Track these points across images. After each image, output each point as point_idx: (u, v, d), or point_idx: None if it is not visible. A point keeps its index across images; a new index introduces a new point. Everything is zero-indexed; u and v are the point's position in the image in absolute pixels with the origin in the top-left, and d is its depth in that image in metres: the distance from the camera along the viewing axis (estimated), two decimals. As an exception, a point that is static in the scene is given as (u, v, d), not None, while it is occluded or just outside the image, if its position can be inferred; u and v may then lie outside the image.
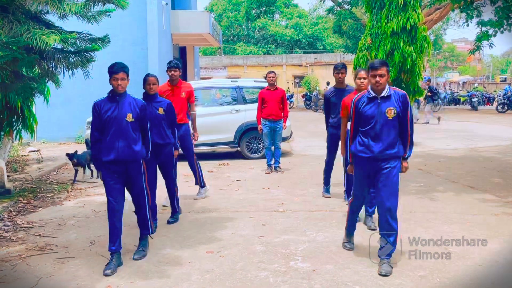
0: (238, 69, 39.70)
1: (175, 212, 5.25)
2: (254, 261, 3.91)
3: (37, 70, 7.36)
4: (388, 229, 3.67)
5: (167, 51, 14.12)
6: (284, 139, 10.03)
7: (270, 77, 7.91)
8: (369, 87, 3.75)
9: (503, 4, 7.80)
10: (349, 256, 3.99)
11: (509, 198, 6.02)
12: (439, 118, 16.60)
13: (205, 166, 8.75)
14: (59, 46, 6.63)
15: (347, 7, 23.73)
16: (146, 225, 4.14)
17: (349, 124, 4.28)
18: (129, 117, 3.81)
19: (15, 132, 7.60)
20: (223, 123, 9.61)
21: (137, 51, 12.71)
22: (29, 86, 7.15)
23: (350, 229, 4.20)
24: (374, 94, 3.69)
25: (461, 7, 8.16)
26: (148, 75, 4.89)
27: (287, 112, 8.08)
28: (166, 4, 13.46)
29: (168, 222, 5.10)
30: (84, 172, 7.78)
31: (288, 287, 3.42)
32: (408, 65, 10.51)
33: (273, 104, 7.83)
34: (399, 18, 10.30)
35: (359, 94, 3.89)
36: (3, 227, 4.99)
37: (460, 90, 35.14)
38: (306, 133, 14.27)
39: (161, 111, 4.80)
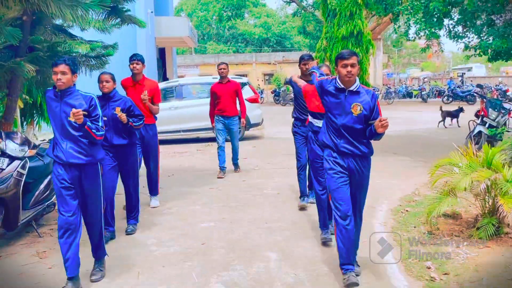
0: (210, 67, 41.34)
1: (135, 222, 4.74)
2: (241, 191, 6.20)
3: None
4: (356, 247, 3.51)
5: (152, 53, 16.12)
6: (256, 125, 12.26)
7: (221, 69, 7.04)
8: (337, 77, 3.41)
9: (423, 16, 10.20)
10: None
11: (419, 158, 8.45)
12: None
13: (192, 147, 10.90)
14: (83, 52, 8.62)
15: (310, 10, 26.23)
16: (101, 247, 3.65)
17: (316, 121, 4.42)
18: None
19: (35, 123, 9.51)
20: (206, 112, 11.70)
21: (128, 54, 14.62)
22: (52, 84, 9.11)
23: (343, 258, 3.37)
24: (342, 86, 3.37)
25: (391, 19, 10.55)
26: (101, 72, 4.53)
27: (244, 108, 7.36)
28: (152, 12, 15.47)
29: (127, 232, 4.63)
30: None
31: (262, 200, 5.73)
32: (356, 64, 12.97)
33: (226, 98, 7.04)
34: (348, 25, 12.74)
35: (327, 77, 3.63)
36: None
37: (413, 85, 38.26)
38: (275, 122, 16.53)
39: (117, 110, 4.34)
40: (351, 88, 3.37)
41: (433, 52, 13.24)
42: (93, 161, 3.44)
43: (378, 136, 3.38)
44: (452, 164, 4.71)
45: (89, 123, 3.33)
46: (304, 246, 4.19)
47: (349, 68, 3.29)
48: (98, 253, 3.66)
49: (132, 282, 3.54)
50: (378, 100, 3.51)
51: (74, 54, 8.33)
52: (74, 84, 3.44)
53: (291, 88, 5.40)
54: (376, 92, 26.83)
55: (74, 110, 3.23)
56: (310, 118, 4.66)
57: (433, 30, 9.17)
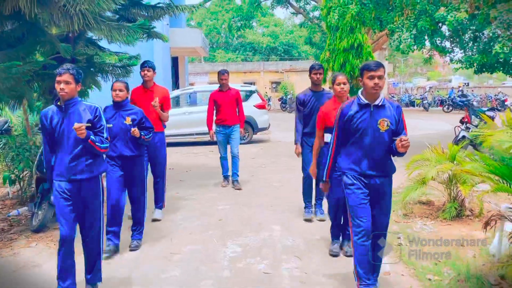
0: (219, 75, 42.60)
1: (139, 237, 4.54)
2: (250, 183, 7.27)
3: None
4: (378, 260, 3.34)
5: (167, 62, 17.28)
6: (263, 129, 13.30)
7: (222, 79, 6.78)
8: (359, 93, 3.24)
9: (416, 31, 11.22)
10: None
11: (409, 159, 9.40)
12: None
13: (205, 148, 11.95)
14: (110, 62, 9.71)
15: (316, 22, 27.37)
16: (97, 270, 3.45)
17: (327, 136, 4.19)
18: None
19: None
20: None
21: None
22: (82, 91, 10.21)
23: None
24: (366, 101, 3.18)
25: (387, 34, 11.57)
26: (115, 80, 4.51)
27: (243, 117, 7.10)
28: (167, 24, 16.64)
29: (130, 248, 4.43)
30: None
31: (268, 190, 6.78)
32: (356, 74, 14.00)
33: (227, 107, 6.83)
34: (349, 38, 13.77)
35: (346, 102, 3.38)
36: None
37: (416, 94, 39.21)
38: (282, 128, 17.59)
39: (128, 120, 4.28)
40: (376, 103, 3.18)
41: (431, 62, 14.19)
42: (95, 174, 3.31)
43: (400, 154, 3.23)
44: (424, 159, 5.73)
45: (92, 137, 3.18)
46: (301, 222, 5.24)
47: (376, 80, 3.11)
48: (92, 277, 3.45)
49: (167, 244, 4.60)
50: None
51: (104, 64, 9.35)
52: (78, 95, 3.29)
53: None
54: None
55: (76, 125, 3.06)
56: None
57: (425, 42, 10.19)
